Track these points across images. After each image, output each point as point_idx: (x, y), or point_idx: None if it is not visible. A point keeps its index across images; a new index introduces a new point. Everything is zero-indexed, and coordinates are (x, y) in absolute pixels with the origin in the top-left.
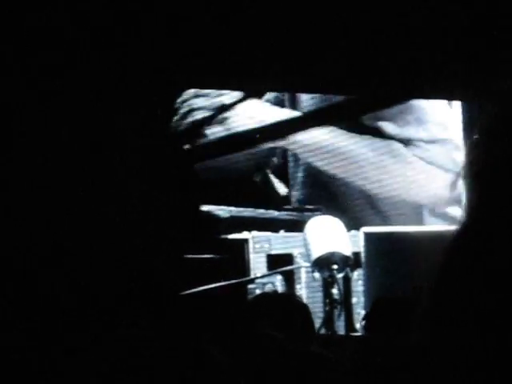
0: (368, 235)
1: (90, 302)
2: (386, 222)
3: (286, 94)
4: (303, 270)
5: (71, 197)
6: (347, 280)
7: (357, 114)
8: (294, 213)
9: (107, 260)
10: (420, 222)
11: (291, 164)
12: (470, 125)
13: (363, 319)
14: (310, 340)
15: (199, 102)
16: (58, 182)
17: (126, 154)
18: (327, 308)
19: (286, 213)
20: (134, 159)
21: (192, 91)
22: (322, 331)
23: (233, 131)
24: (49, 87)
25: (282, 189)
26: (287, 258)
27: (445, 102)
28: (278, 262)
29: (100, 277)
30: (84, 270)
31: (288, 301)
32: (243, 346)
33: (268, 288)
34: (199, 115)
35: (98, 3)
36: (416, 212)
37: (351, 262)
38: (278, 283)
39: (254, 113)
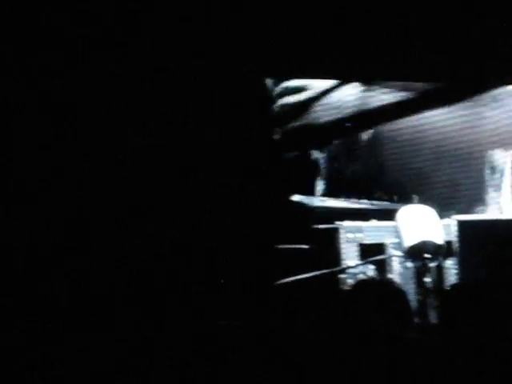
0: (461, 223)
1: (89, 301)
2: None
3: None
4: (396, 260)
5: (71, 197)
6: (440, 269)
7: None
8: (386, 202)
9: (107, 260)
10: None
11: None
12: None
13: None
14: (407, 326)
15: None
16: (57, 181)
17: (125, 153)
18: (420, 297)
19: (377, 202)
20: (133, 158)
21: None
22: (416, 320)
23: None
24: (49, 87)
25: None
26: (379, 248)
27: None
28: (370, 252)
29: (100, 277)
30: (84, 270)
31: (387, 287)
32: (339, 330)
33: (360, 278)
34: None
35: (97, 3)
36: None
37: (444, 250)
38: (370, 273)
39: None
